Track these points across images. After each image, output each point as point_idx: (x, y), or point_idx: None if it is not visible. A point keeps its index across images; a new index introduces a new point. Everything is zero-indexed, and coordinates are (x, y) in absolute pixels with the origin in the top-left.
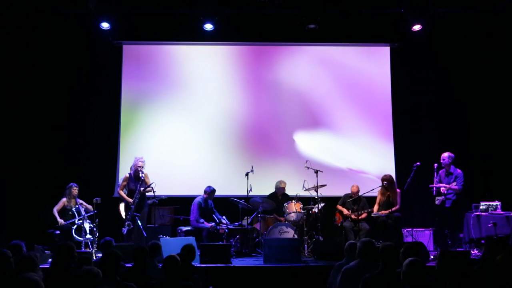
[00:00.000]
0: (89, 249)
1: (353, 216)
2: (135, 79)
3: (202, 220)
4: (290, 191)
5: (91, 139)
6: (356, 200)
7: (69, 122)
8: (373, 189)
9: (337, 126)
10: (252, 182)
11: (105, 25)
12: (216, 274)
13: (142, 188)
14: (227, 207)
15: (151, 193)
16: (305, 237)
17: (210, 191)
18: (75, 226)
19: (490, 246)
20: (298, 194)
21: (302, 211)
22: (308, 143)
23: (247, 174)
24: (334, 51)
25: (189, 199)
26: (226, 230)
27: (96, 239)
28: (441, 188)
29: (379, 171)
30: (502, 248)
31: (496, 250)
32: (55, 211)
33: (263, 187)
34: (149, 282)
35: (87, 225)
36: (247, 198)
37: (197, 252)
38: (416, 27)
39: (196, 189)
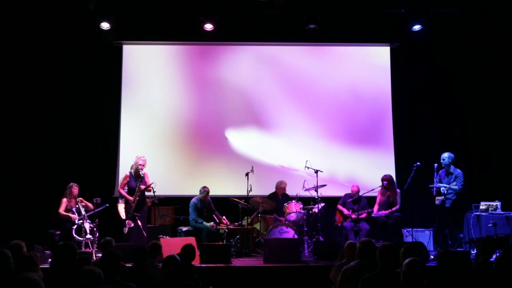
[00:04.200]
0: (89, 249)
1: (353, 216)
2: (135, 79)
3: (200, 220)
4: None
5: (91, 139)
6: (356, 200)
7: (69, 122)
8: (373, 189)
9: (337, 126)
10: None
11: (105, 25)
12: (216, 274)
13: (142, 186)
14: (227, 207)
15: (151, 193)
16: (305, 237)
17: (204, 192)
18: (75, 226)
19: (482, 246)
20: (298, 194)
21: (302, 211)
22: (306, 143)
23: (247, 174)
24: (334, 50)
25: (189, 199)
26: (226, 230)
27: (96, 239)
28: (441, 188)
29: (379, 171)
30: (494, 248)
31: (488, 250)
32: (62, 212)
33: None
34: (149, 282)
35: (87, 225)
36: (247, 198)
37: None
38: (416, 27)
39: (195, 189)
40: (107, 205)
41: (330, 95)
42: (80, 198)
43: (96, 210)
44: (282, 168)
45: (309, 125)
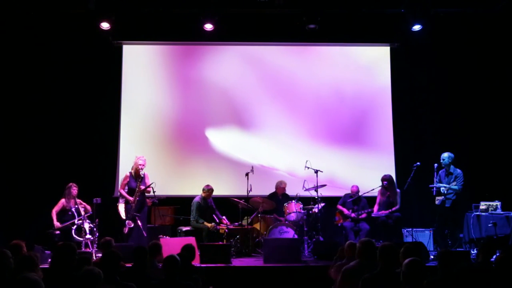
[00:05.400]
0: (89, 249)
1: (353, 216)
2: (135, 79)
3: (201, 221)
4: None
5: (91, 139)
6: (356, 200)
7: (69, 122)
8: (373, 189)
9: (336, 126)
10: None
11: (105, 25)
12: (216, 274)
13: (142, 187)
14: (227, 207)
15: (151, 193)
16: (305, 237)
17: (207, 190)
18: (75, 226)
19: (483, 246)
20: (298, 194)
21: (302, 211)
22: (306, 144)
23: (247, 174)
24: (334, 51)
25: (189, 199)
26: (226, 230)
27: (96, 239)
28: (441, 188)
29: (379, 171)
30: (494, 248)
31: (488, 250)
32: (53, 213)
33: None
34: (149, 282)
35: (86, 225)
36: (247, 198)
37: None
38: (416, 27)
39: (196, 189)
40: (91, 212)
41: (329, 95)
42: (79, 200)
43: (86, 215)
44: (280, 171)
45: (307, 125)
